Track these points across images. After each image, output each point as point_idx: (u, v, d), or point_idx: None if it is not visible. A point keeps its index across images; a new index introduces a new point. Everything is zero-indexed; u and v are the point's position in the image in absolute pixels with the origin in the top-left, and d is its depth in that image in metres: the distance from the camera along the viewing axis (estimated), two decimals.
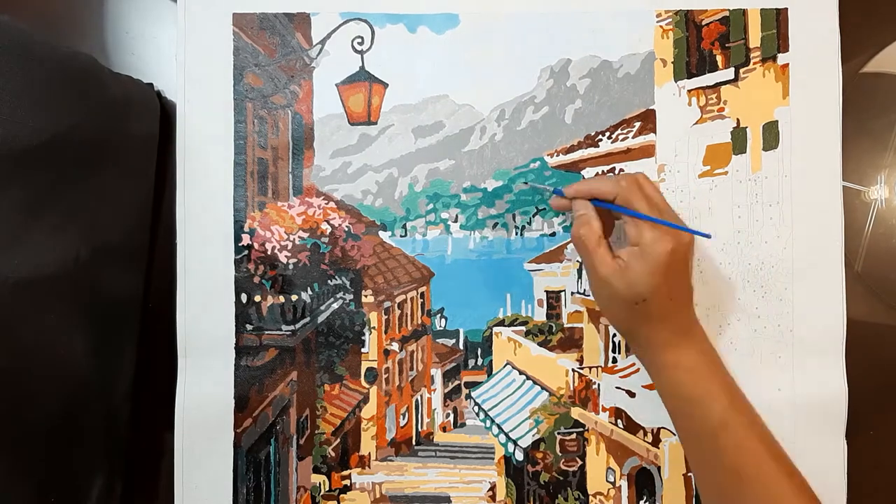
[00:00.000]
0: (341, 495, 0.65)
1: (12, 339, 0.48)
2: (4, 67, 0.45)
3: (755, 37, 0.65)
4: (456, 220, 0.66)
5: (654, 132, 0.65)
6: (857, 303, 0.64)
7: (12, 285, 0.47)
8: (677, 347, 0.55)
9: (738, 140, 0.65)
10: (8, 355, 0.48)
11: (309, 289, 0.65)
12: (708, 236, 0.56)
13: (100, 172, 0.56)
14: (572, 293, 0.66)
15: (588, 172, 0.66)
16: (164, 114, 0.64)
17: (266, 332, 0.64)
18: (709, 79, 0.65)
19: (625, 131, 0.65)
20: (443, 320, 0.66)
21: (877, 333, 0.66)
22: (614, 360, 0.65)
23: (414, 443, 0.66)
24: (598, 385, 0.65)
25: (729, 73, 0.65)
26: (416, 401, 0.67)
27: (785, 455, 0.54)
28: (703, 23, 0.65)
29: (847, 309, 0.63)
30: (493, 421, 0.66)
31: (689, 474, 0.64)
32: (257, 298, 0.64)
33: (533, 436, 0.65)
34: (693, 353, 0.55)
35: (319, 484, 0.65)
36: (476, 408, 0.66)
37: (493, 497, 0.65)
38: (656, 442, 0.64)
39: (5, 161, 0.46)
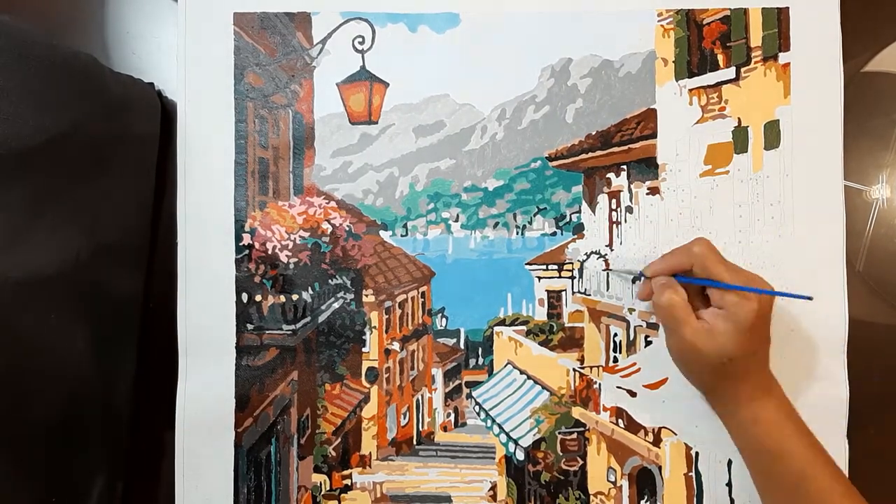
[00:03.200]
0: (342, 495, 0.65)
1: (13, 338, 0.48)
2: (5, 67, 0.45)
3: (756, 36, 0.65)
4: (457, 220, 0.66)
5: (656, 131, 0.65)
6: (859, 302, 0.64)
7: (13, 284, 0.47)
8: (756, 402, 0.56)
9: (740, 139, 0.65)
10: (9, 354, 0.48)
11: (310, 288, 0.65)
12: (809, 298, 0.57)
13: (101, 172, 0.56)
14: (573, 293, 0.66)
15: (589, 172, 0.66)
16: (165, 113, 0.64)
17: (267, 332, 0.64)
18: (710, 78, 0.65)
19: (626, 130, 0.65)
20: (444, 320, 0.66)
21: (878, 332, 0.66)
22: (615, 360, 0.65)
23: (415, 442, 0.66)
24: (599, 385, 0.65)
25: (730, 73, 0.65)
26: (417, 400, 0.67)
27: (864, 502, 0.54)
28: (705, 22, 0.65)
29: (848, 308, 0.63)
30: (493, 420, 0.66)
31: (690, 474, 0.64)
32: (258, 298, 0.64)
33: (534, 435, 0.65)
34: (772, 407, 0.56)
35: (320, 483, 0.65)
36: (477, 407, 0.66)
37: (493, 497, 0.65)
38: (657, 441, 0.64)
39: (7, 160, 0.46)
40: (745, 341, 0.54)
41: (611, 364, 0.65)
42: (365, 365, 0.66)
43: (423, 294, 0.66)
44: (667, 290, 0.57)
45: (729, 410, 0.58)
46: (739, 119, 0.64)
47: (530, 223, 0.66)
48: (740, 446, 0.58)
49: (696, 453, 0.64)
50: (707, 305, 0.57)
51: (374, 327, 0.66)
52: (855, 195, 0.66)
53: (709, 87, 0.65)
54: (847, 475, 0.62)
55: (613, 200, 0.66)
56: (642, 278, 0.60)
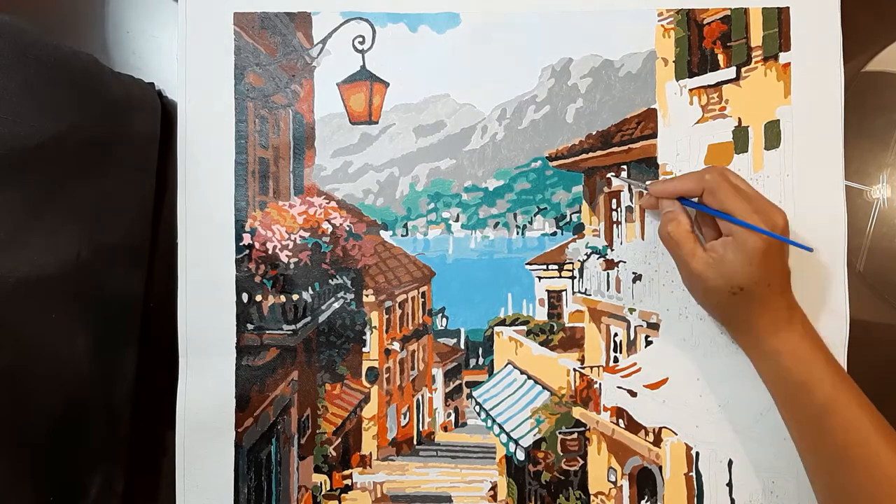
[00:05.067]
0: (342, 495, 0.65)
1: (14, 338, 0.48)
2: (6, 67, 0.45)
3: (757, 36, 0.65)
4: (457, 220, 0.66)
5: (656, 131, 0.65)
6: (859, 302, 0.64)
7: (14, 285, 0.47)
8: (777, 333, 0.55)
9: (740, 139, 0.64)
10: (10, 355, 0.48)
11: (310, 288, 0.65)
12: (809, 249, 0.56)
13: (101, 172, 0.56)
14: (574, 293, 0.66)
15: (589, 172, 0.66)
16: (166, 113, 0.64)
17: (267, 332, 0.64)
18: (710, 78, 0.65)
19: (626, 130, 0.65)
20: (444, 320, 0.66)
21: (878, 332, 0.66)
22: (615, 360, 0.65)
23: (415, 442, 0.66)
24: (600, 384, 0.65)
25: (730, 73, 0.65)
26: (418, 400, 0.67)
27: (894, 433, 0.53)
28: (705, 22, 0.65)
29: (849, 308, 0.63)
30: (494, 420, 0.65)
31: (691, 474, 0.64)
32: (258, 298, 0.64)
33: (534, 435, 0.65)
34: (795, 337, 0.55)
35: (321, 483, 0.65)
36: (477, 407, 0.66)
37: (494, 497, 0.65)
38: (658, 441, 0.64)
39: (7, 160, 0.46)
40: (756, 271, 0.53)
41: (611, 364, 0.65)
42: (365, 365, 0.66)
43: (423, 294, 0.66)
44: (669, 221, 0.57)
45: (749, 342, 0.57)
46: (740, 119, 0.64)
47: (531, 223, 0.66)
48: (764, 378, 0.57)
49: (697, 453, 0.64)
50: (718, 231, 0.56)
51: (375, 327, 0.66)
52: (856, 195, 0.66)
53: (709, 86, 0.65)
54: None
55: (614, 200, 0.66)
56: (644, 191, 0.61)
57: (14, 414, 0.49)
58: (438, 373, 0.67)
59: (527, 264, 0.66)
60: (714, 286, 0.55)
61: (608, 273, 0.65)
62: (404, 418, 0.66)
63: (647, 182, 0.61)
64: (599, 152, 0.65)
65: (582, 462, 0.65)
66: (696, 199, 0.58)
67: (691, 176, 0.58)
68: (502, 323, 0.66)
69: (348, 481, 0.65)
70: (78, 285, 0.54)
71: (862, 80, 0.66)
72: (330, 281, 0.65)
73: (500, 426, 0.65)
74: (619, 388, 0.65)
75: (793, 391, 0.55)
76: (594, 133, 0.66)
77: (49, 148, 0.48)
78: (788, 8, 0.64)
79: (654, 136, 0.65)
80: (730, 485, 0.63)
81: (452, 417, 0.66)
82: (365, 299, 0.65)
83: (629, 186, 0.65)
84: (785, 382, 0.55)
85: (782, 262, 0.56)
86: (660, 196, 0.59)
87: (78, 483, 0.56)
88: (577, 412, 0.65)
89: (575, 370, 0.65)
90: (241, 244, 0.64)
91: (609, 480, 0.65)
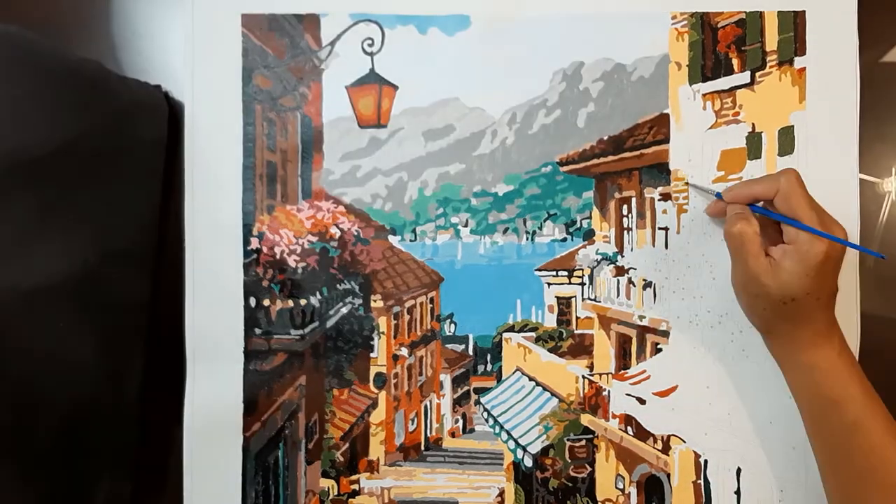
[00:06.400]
0: (350, 500, 0.65)
1: (23, 346, 0.48)
2: (13, 78, 0.44)
3: (772, 40, 0.64)
4: (466, 225, 0.66)
5: (668, 137, 0.64)
6: (870, 296, 0.63)
7: (23, 293, 0.47)
8: (816, 348, 0.55)
9: (753, 145, 0.64)
10: (19, 362, 0.48)
11: (318, 293, 0.64)
12: (883, 257, 0.57)
13: (108, 178, 0.56)
14: (583, 299, 0.65)
15: (600, 177, 0.65)
16: (173, 115, 0.64)
17: (275, 337, 0.64)
18: (724, 82, 0.64)
19: (638, 135, 0.65)
20: (452, 325, 0.66)
21: (889, 326, 0.65)
22: (625, 367, 0.65)
23: (423, 448, 0.66)
24: (609, 392, 0.65)
25: (745, 77, 0.64)
26: (425, 406, 0.66)
27: None
28: (719, 25, 0.64)
29: (860, 302, 0.62)
30: (502, 427, 0.65)
31: (699, 481, 0.63)
32: (266, 302, 0.64)
33: (542, 442, 0.65)
34: (832, 354, 0.54)
35: (328, 488, 0.65)
36: (485, 413, 0.66)
37: (501, 503, 0.65)
38: (666, 449, 0.64)
39: (16, 171, 0.45)
40: (810, 283, 0.52)
41: (620, 371, 0.65)
42: (373, 370, 0.65)
43: (431, 299, 0.66)
44: (740, 219, 0.55)
45: (786, 352, 0.57)
46: (753, 125, 0.64)
47: (540, 229, 0.66)
48: (795, 391, 0.57)
49: (705, 461, 0.63)
50: (779, 241, 0.55)
51: (383, 332, 0.65)
52: (867, 187, 0.65)
53: (723, 91, 0.64)
54: None
55: (624, 206, 0.65)
56: (717, 197, 0.60)
57: (23, 422, 0.49)
58: (446, 379, 0.66)
59: (536, 270, 0.65)
60: (766, 293, 0.54)
61: (618, 280, 0.65)
62: (412, 424, 0.66)
63: (719, 189, 0.60)
64: (611, 157, 0.65)
65: (590, 469, 0.65)
66: (761, 203, 0.57)
67: (765, 179, 0.57)
68: (511, 329, 0.65)
69: (356, 486, 0.65)
70: (85, 292, 0.53)
71: (877, 70, 0.64)
72: (338, 286, 0.65)
73: (508, 433, 0.65)
74: (627, 395, 0.65)
75: (823, 407, 0.54)
76: (605, 138, 0.65)
77: (57, 157, 0.48)
78: (804, 12, 0.63)
79: (666, 141, 0.64)
80: (738, 493, 0.63)
81: (460, 423, 0.66)
82: (373, 304, 0.65)
83: (654, 193, 0.64)
84: (816, 398, 0.55)
85: (834, 278, 0.55)
86: (735, 201, 0.58)
87: (86, 489, 0.56)
88: (586, 419, 0.65)
89: (584, 377, 0.65)
90: (248, 248, 0.64)
91: (617, 487, 0.65)
